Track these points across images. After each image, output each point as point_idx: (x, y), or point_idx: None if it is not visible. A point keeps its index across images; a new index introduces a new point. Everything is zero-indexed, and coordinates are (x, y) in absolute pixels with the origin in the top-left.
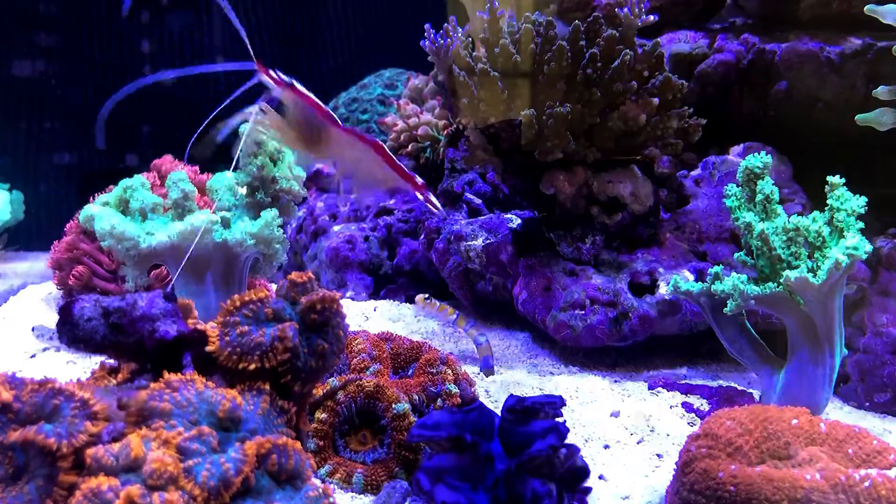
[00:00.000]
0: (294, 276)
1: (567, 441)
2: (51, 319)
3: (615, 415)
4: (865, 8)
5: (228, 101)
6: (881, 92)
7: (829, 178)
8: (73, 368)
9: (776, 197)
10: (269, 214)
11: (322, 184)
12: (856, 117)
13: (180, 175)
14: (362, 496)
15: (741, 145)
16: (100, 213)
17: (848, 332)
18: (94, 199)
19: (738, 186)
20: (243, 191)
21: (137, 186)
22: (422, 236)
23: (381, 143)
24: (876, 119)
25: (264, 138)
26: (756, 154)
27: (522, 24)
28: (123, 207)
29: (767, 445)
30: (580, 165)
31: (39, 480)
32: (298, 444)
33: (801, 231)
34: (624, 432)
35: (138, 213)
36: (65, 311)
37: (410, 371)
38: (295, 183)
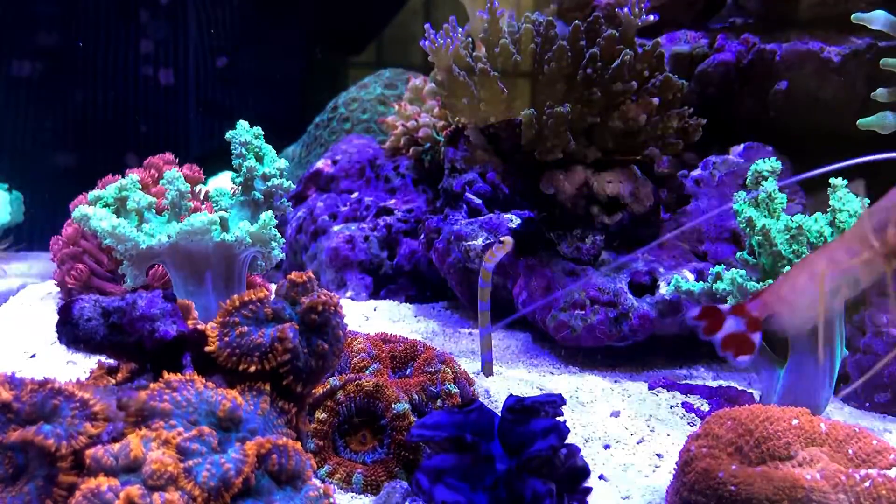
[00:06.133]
0: (294, 275)
1: (567, 441)
2: (51, 319)
3: (615, 415)
4: (853, 16)
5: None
6: (880, 94)
7: (832, 180)
8: (73, 369)
9: (778, 196)
10: (267, 216)
11: (321, 184)
12: (858, 122)
13: (176, 174)
14: (362, 496)
15: (741, 145)
16: (95, 213)
17: (848, 332)
18: (85, 196)
19: (745, 189)
20: (237, 190)
21: (132, 186)
22: (422, 236)
23: None
24: (878, 123)
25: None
26: (766, 159)
27: (522, 24)
28: (118, 207)
29: (768, 445)
30: (580, 165)
31: (39, 481)
32: (298, 445)
33: (804, 230)
34: (624, 432)
35: (135, 213)
36: (64, 311)
37: (409, 370)
38: (284, 180)
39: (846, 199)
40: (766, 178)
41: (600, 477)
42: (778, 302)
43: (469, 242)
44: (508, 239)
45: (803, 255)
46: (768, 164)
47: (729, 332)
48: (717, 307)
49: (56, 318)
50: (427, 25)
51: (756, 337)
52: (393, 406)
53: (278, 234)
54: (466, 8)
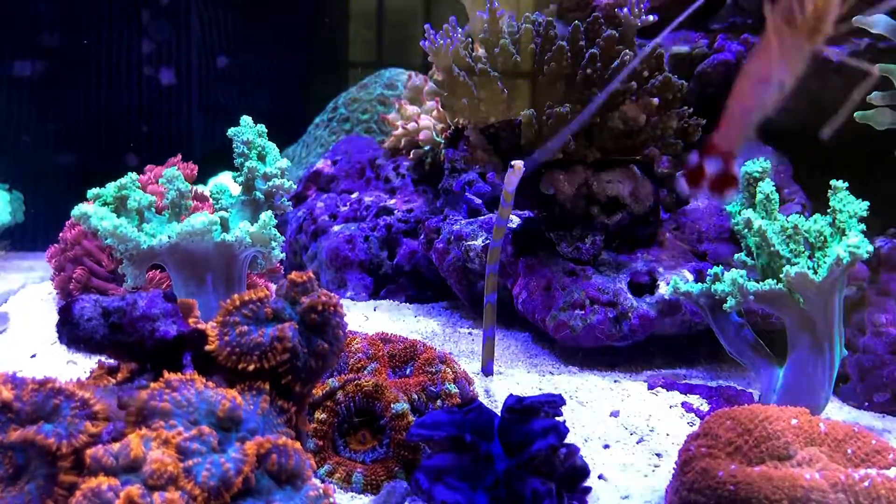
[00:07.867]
0: (294, 275)
1: (567, 441)
2: (51, 319)
3: (615, 415)
4: (854, 19)
5: None
6: (875, 97)
7: (833, 182)
8: (73, 369)
9: (776, 197)
10: (267, 215)
11: (322, 184)
12: (855, 115)
13: (175, 173)
14: (362, 496)
15: None
16: (95, 211)
17: (848, 332)
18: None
19: (738, 191)
20: (238, 189)
21: (131, 185)
22: (421, 236)
23: None
24: (874, 118)
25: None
26: (755, 160)
27: (522, 24)
28: (118, 206)
29: (767, 445)
30: (580, 165)
31: (39, 480)
32: (298, 444)
33: (801, 230)
34: (624, 432)
35: (135, 212)
36: (65, 311)
37: (409, 370)
38: (285, 180)
39: (846, 201)
40: (759, 180)
41: (600, 476)
42: (732, 122)
43: (469, 242)
44: (519, 163)
45: (802, 255)
46: (758, 164)
47: (711, 177)
48: (697, 165)
49: (56, 318)
50: (427, 25)
51: (735, 168)
52: (392, 406)
53: (278, 234)
54: (466, 8)
